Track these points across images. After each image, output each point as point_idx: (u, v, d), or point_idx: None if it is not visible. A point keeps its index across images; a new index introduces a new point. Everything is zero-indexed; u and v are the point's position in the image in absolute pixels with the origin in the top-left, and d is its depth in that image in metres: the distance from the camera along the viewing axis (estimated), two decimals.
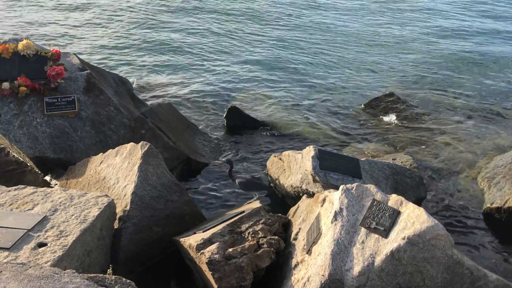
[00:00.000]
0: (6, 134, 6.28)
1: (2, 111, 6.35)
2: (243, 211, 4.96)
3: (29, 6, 14.22)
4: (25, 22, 12.93)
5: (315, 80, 10.30)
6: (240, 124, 8.22)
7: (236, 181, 6.07)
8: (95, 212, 4.40)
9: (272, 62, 11.05)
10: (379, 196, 4.27)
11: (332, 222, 4.23)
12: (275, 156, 6.69)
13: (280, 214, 5.09)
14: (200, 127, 8.10)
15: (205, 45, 11.87)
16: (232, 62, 11.03)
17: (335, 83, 10.22)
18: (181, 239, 4.74)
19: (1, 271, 2.89)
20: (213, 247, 4.35)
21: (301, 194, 5.67)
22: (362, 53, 12.06)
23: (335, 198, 4.43)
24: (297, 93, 9.65)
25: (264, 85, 9.94)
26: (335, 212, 4.27)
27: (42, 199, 4.57)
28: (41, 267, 2.98)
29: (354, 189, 4.41)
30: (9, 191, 4.73)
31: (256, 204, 5.27)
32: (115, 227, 4.80)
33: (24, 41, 6.68)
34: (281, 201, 6.34)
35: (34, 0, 14.79)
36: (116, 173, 5.29)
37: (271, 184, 6.70)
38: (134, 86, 8.93)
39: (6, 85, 6.35)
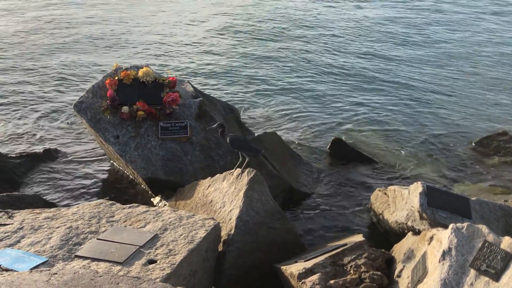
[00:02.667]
0: (122, 155, 6.70)
1: (121, 133, 6.79)
2: (346, 244, 4.92)
3: (150, 36, 15.16)
4: (146, 50, 13.78)
5: (423, 115, 10.03)
6: (344, 156, 8.18)
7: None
8: (202, 233, 4.56)
9: (381, 98, 10.89)
10: (491, 237, 4.08)
11: (439, 262, 4.08)
12: (379, 191, 6.57)
13: (383, 250, 4.98)
14: (303, 157, 8.16)
15: (312, 78, 11.98)
16: (340, 93, 11.02)
17: (444, 118, 9.90)
18: (282, 267, 4.78)
19: (118, 283, 3.08)
20: (314, 277, 4.34)
21: (406, 231, 5.52)
22: (475, 88, 11.59)
23: (443, 237, 4.28)
24: (404, 128, 9.45)
25: (370, 118, 9.83)
26: (444, 251, 4.13)
27: (154, 218, 4.81)
28: (154, 282, 3.13)
29: (464, 228, 4.24)
30: (124, 208, 5.03)
31: (358, 237, 5.20)
32: (219, 250, 4.94)
33: (144, 69, 7.12)
34: (384, 236, 6.20)
35: (156, 32, 15.74)
36: (223, 197, 5.45)
37: (374, 219, 6.58)
38: (241, 114, 9.19)
39: (125, 109, 6.80)
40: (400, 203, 5.94)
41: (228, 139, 5.80)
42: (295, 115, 9.89)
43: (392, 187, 6.29)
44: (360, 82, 11.63)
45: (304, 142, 8.85)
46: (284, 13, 18.08)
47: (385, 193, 6.41)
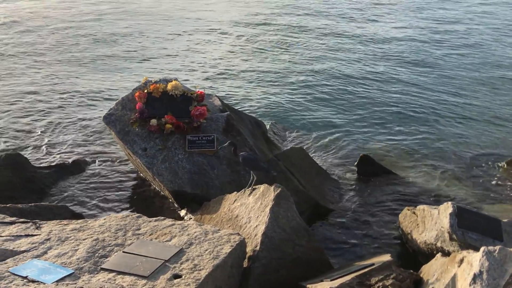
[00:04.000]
0: (150, 167, 6.73)
1: (149, 145, 6.83)
2: (373, 264, 4.83)
3: (179, 49, 15.31)
4: (175, 63, 13.92)
5: (454, 134, 9.85)
6: (371, 173, 8.07)
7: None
8: (227, 249, 4.53)
9: (411, 116, 10.73)
10: None
11: (470, 285, 3.98)
12: (408, 210, 6.47)
13: (411, 271, 4.88)
14: (330, 173, 8.08)
15: (342, 94, 11.90)
16: (370, 110, 10.92)
17: (475, 138, 9.71)
18: (308, 285, 4.71)
19: None
20: None
21: (435, 252, 5.41)
22: (508, 107, 11.37)
23: (474, 259, 4.17)
24: (434, 146, 9.29)
25: (400, 135, 9.70)
26: (474, 274, 4.02)
27: (179, 231, 4.80)
28: None
29: (496, 252, 4.13)
30: (150, 221, 5.03)
31: (386, 257, 5.11)
32: (244, 266, 4.89)
33: (173, 82, 7.18)
34: (412, 256, 6.07)
35: (185, 45, 15.89)
36: (249, 212, 5.42)
37: (402, 238, 6.46)
38: (268, 129, 9.17)
39: (154, 121, 6.84)
40: (429, 223, 5.83)
41: (240, 158, 5.80)
42: (322, 131, 9.83)
43: (421, 207, 6.18)
44: (393, 102, 11.48)
45: (332, 158, 8.78)
46: (316, 25, 18.10)
47: (414, 212, 6.30)
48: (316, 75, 13.04)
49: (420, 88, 12.28)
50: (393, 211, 7.07)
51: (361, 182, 7.96)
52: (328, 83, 12.47)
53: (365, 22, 18.96)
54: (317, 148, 9.12)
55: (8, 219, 5.06)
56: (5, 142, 9.11)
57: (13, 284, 3.94)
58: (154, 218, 5.10)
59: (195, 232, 4.80)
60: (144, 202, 7.24)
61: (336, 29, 17.73)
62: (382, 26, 18.38)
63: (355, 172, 8.19)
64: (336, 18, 19.52)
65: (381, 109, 10.96)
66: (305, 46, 15.72)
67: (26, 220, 5.06)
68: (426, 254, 5.71)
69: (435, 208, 5.84)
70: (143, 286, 3.95)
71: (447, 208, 5.51)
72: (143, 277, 4.06)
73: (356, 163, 8.29)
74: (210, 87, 11.84)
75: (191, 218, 6.37)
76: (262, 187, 5.54)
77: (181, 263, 4.27)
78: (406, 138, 9.61)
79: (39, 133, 9.49)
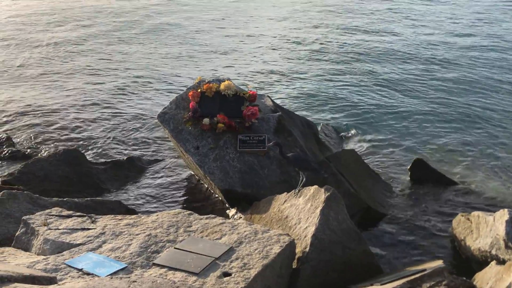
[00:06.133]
0: (201, 166, 6.81)
1: (201, 144, 6.93)
2: (425, 269, 4.73)
3: (233, 49, 15.45)
4: (228, 63, 14.05)
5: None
6: (425, 177, 7.90)
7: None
8: (276, 249, 4.54)
9: (469, 120, 10.42)
10: None
11: None
12: (462, 215, 6.30)
13: (464, 278, 4.76)
14: (382, 177, 7.96)
15: (394, 97, 11.71)
16: (423, 113, 10.70)
17: None
18: None
19: None
20: None
21: (489, 260, 5.25)
22: None
23: None
24: (491, 152, 8.99)
25: (456, 140, 9.45)
26: None
27: (230, 230, 4.84)
28: None
29: None
30: (201, 219, 5.10)
31: (438, 263, 5.00)
32: (293, 267, 4.89)
33: (226, 82, 7.24)
34: (465, 263, 5.91)
35: (239, 45, 16.02)
36: (298, 213, 5.41)
37: (455, 245, 6.31)
38: (319, 130, 9.13)
39: (206, 120, 6.93)
40: (484, 230, 5.66)
41: (290, 157, 5.78)
42: (375, 133, 9.71)
43: (475, 213, 6.01)
44: (447, 105, 11.20)
45: (384, 161, 8.65)
46: (374, 27, 17.89)
47: (468, 219, 6.13)
48: (368, 77, 12.90)
49: (481, 90, 11.92)
50: (446, 217, 6.91)
51: (414, 186, 7.81)
52: (381, 85, 12.31)
53: (416, 23, 18.60)
54: (369, 151, 9.01)
55: (65, 212, 5.24)
56: (63, 137, 9.43)
57: (69, 276, 4.08)
58: (205, 216, 5.16)
59: (245, 231, 4.83)
60: (195, 199, 7.35)
61: (387, 30, 17.47)
62: (435, 28, 17.98)
63: (408, 176, 8.04)
64: (385, 19, 19.23)
65: (436, 112, 10.72)
66: (356, 47, 15.57)
67: (83, 214, 5.23)
68: (479, 262, 5.54)
69: (490, 215, 5.66)
70: (194, 282, 4.01)
71: (503, 215, 5.33)
72: (193, 273, 4.12)
73: (409, 166, 8.14)
74: (263, 87, 11.89)
75: (241, 217, 6.41)
76: (312, 189, 5.51)
77: (231, 262, 4.31)
78: (462, 142, 9.36)
79: (96, 130, 9.78)
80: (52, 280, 3.61)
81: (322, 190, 5.36)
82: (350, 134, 9.75)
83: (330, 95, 11.70)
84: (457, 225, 6.29)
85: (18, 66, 13.85)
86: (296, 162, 5.79)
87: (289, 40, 16.49)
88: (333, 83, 12.46)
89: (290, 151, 6.29)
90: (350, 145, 9.20)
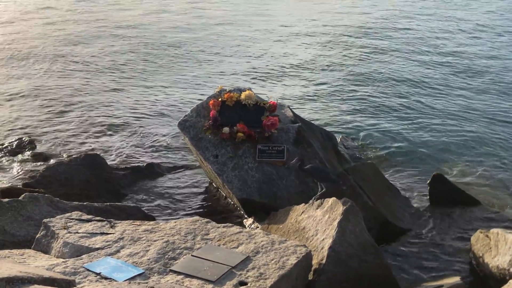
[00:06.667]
0: (220, 174, 6.85)
1: (220, 152, 6.96)
2: (442, 285, 4.71)
3: (254, 59, 15.52)
4: (249, 73, 14.12)
5: None
6: (444, 193, 7.82)
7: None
8: (293, 260, 4.54)
9: (490, 135, 10.32)
10: None
11: None
12: (481, 232, 6.23)
13: None
14: (401, 191, 7.91)
15: (415, 109, 11.65)
16: (445, 127, 10.63)
17: None
18: None
19: None
20: None
21: (507, 278, 5.18)
22: None
23: None
24: (510, 169, 8.91)
25: (477, 155, 9.37)
26: None
27: (247, 239, 4.85)
28: None
29: None
30: (219, 227, 5.12)
31: (456, 279, 4.97)
32: (309, 278, 4.88)
33: (247, 92, 7.28)
34: (483, 281, 5.84)
35: (260, 54, 16.09)
36: (316, 225, 5.40)
37: (472, 261, 6.24)
38: (339, 142, 9.12)
39: (226, 129, 6.97)
40: (503, 247, 5.59)
41: (308, 169, 5.78)
42: (395, 146, 9.67)
43: (495, 230, 5.93)
44: (472, 117, 11.12)
45: (403, 175, 8.61)
46: (397, 35, 17.86)
47: (487, 236, 6.06)
48: (389, 89, 12.86)
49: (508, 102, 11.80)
50: (465, 233, 6.83)
51: (433, 201, 7.74)
52: (403, 97, 12.26)
53: (441, 35, 18.51)
54: (388, 164, 8.97)
55: (85, 216, 5.29)
56: (84, 141, 9.56)
57: (87, 280, 4.12)
58: (223, 224, 5.18)
59: (262, 241, 4.84)
60: (213, 208, 7.38)
61: (410, 41, 17.42)
62: (460, 40, 17.87)
63: (427, 191, 7.97)
64: (411, 30, 19.17)
65: (458, 125, 10.64)
66: (377, 58, 15.53)
67: (102, 218, 5.28)
68: (497, 279, 5.48)
69: (510, 232, 5.60)
70: None
71: None
72: (210, 281, 4.14)
73: (428, 181, 8.07)
74: (283, 98, 11.91)
75: (258, 227, 6.41)
76: (330, 201, 5.51)
77: (247, 271, 4.32)
78: (483, 158, 9.28)
79: (116, 135, 9.89)
80: (71, 283, 3.65)
81: (340, 202, 5.35)
82: (370, 147, 9.72)
83: (350, 106, 11.68)
84: (476, 242, 6.22)
85: (45, 71, 14.10)
86: (314, 173, 5.79)
87: (312, 50, 16.51)
88: (354, 95, 12.45)
89: (309, 163, 6.28)
90: (369, 158, 9.16)
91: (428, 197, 7.88)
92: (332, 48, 16.76)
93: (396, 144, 9.78)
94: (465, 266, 6.13)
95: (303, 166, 5.84)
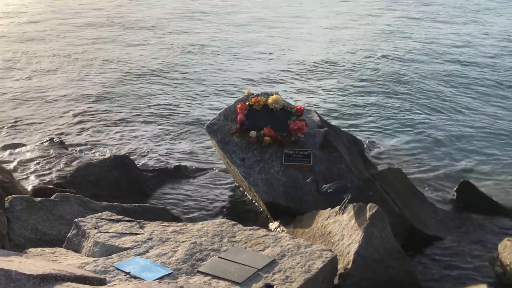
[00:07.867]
0: (246, 177, 6.91)
1: (247, 156, 7.03)
2: None
3: (282, 63, 15.59)
4: (277, 77, 14.18)
5: None
6: (471, 199, 7.76)
7: None
8: (319, 264, 4.58)
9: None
10: None
11: None
12: (509, 240, 6.16)
13: None
14: (427, 197, 7.86)
15: (444, 115, 11.54)
16: (474, 134, 10.51)
17: None
18: None
19: None
20: None
21: None
22: None
23: None
24: None
25: (505, 158, 9.25)
26: None
27: (273, 242, 4.91)
28: None
29: None
30: (245, 230, 5.19)
31: (482, 287, 4.93)
32: (334, 283, 4.91)
33: (274, 96, 7.34)
34: None
35: (289, 60, 16.15)
36: (342, 230, 5.42)
37: (500, 270, 6.17)
38: (365, 147, 9.10)
39: (253, 133, 7.04)
40: None
41: (324, 191, 5.75)
42: (422, 152, 9.60)
43: None
44: (499, 126, 10.99)
45: (430, 181, 8.54)
46: (425, 45, 17.73)
47: None
48: (418, 95, 12.77)
49: None
50: (492, 241, 6.76)
51: (460, 208, 7.69)
52: (432, 104, 12.15)
53: (464, 38, 18.32)
54: (415, 170, 8.90)
55: (115, 217, 5.41)
56: (114, 142, 9.74)
57: (117, 278, 4.22)
58: (249, 227, 5.25)
59: (288, 244, 4.89)
60: (239, 210, 7.44)
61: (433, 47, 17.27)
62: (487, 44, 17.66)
63: (454, 198, 7.92)
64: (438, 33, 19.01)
65: (487, 131, 10.53)
66: (401, 65, 15.44)
67: (131, 219, 5.39)
68: None
69: None
70: None
71: None
72: (236, 283, 4.20)
73: (455, 188, 8.02)
74: (310, 102, 11.93)
75: (284, 231, 6.45)
76: (357, 206, 5.53)
77: (273, 274, 4.38)
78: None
79: (145, 137, 10.04)
80: (102, 282, 3.75)
81: (367, 207, 5.37)
82: (397, 152, 9.67)
83: (378, 112, 11.65)
84: (503, 250, 6.15)
85: (76, 75, 14.38)
86: (332, 193, 5.76)
87: (338, 55, 16.50)
88: (382, 100, 12.40)
89: (323, 182, 6.04)
90: (396, 163, 9.12)
91: (454, 203, 7.82)
92: (361, 52, 16.72)
93: (423, 150, 9.71)
94: (492, 274, 6.07)
95: (320, 188, 5.81)
